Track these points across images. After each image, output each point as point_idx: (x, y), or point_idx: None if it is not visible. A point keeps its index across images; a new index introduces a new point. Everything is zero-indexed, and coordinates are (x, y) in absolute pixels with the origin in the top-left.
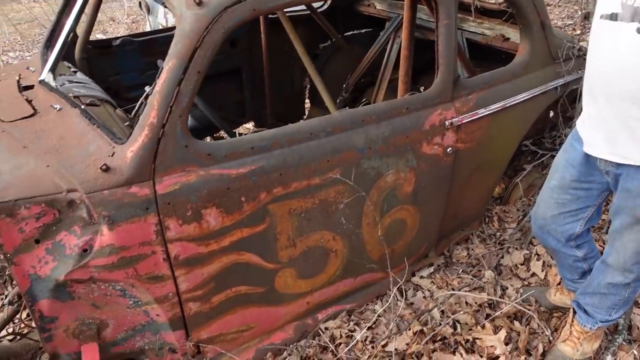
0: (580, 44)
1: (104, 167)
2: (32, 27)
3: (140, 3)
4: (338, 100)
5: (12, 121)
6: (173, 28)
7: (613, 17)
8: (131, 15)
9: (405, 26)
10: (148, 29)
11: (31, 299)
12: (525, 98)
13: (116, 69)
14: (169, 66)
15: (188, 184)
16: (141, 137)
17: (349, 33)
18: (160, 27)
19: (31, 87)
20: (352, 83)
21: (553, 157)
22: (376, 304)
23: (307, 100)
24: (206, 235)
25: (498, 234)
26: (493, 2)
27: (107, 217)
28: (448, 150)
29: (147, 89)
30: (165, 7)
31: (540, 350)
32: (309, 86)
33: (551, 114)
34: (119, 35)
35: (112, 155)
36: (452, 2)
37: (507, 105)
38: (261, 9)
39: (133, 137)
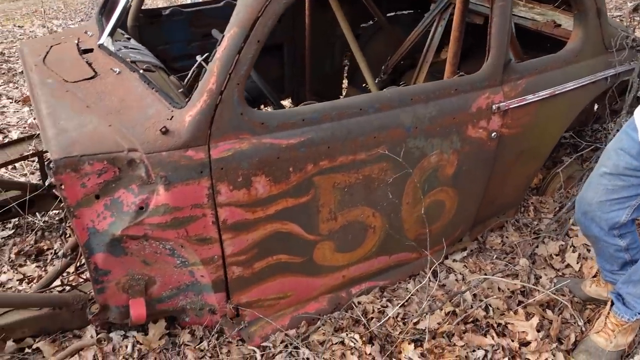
0: (635, 34)
1: (163, 129)
2: None
3: None
4: (376, 81)
5: (75, 82)
6: (219, 0)
7: None
8: None
9: (458, 7)
10: None
11: (88, 252)
12: (575, 86)
13: (165, 39)
14: (230, 34)
15: (241, 151)
16: (200, 103)
17: (392, 14)
18: None
19: (90, 50)
20: (392, 65)
21: (594, 150)
22: (409, 282)
23: (344, 80)
24: (254, 202)
25: (534, 223)
26: None
27: (164, 178)
28: (492, 134)
29: (199, 58)
30: None
31: (572, 339)
32: (347, 65)
33: (596, 107)
34: (158, 4)
35: (170, 119)
36: None
37: (556, 92)
38: None
39: (192, 102)
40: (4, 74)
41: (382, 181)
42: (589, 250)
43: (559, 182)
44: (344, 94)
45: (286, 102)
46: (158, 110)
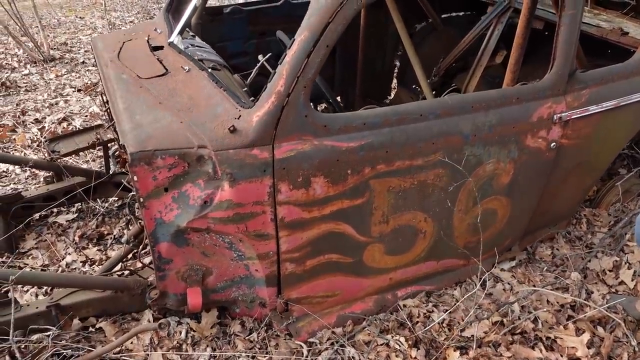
0: None
1: (231, 128)
2: None
3: None
4: (427, 82)
5: (148, 78)
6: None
7: None
8: None
9: (524, 13)
10: None
11: (154, 241)
12: None
13: (224, 36)
14: (301, 38)
15: (303, 152)
16: (267, 104)
17: (447, 15)
18: None
19: (161, 47)
20: (444, 67)
21: None
22: (455, 289)
23: (394, 81)
24: (311, 202)
25: (587, 236)
26: None
27: (229, 175)
28: (552, 145)
29: (261, 57)
30: None
31: (625, 359)
32: (397, 66)
33: None
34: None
35: (238, 118)
36: None
37: (621, 104)
38: None
39: (260, 102)
40: (67, 63)
41: (437, 187)
42: None
43: (615, 195)
44: (392, 94)
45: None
46: (226, 108)
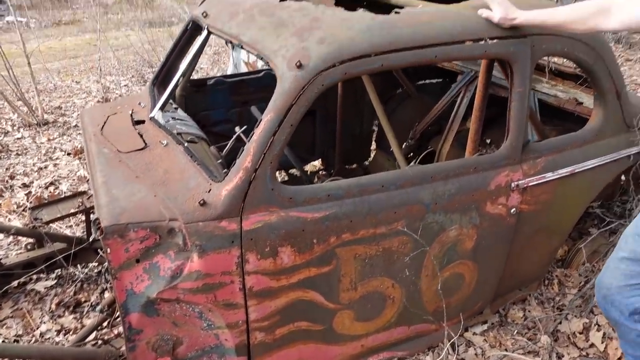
0: None
1: (201, 201)
2: (127, 53)
3: (227, 41)
4: (404, 146)
5: (127, 152)
6: (259, 71)
7: None
8: (214, 47)
9: (479, 88)
10: (230, 61)
11: (124, 311)
12: (595, 165)
13: (207, 105)
14: (267, 118)
15: (270, 223)
16: (236, 179)
17: (421, 82)
18: (242, 62)
19: (142, 122)
20: (420, 131)
21: (622, 225)
22: (427, 354)
23: (373, 143)
24: (279, 271)
25: (557, 298)
26: (568, 65)
27: (198, 246)
28: (512, 210)
29: (237, 129)
30: (266, 62)
31: None
32: (376, 130)
33: (622, 177)
34: (200, 70)
35: (209, 192)
36: (527, 72)
37: (576, 171)
38: (352, 72)
39: (229, 177)
40: (59, 127)
41: (402, 254)
42: (614, 330)
43: (583, 256)
44: (372, 156)
45: (316, 162)
46: (198, 182)
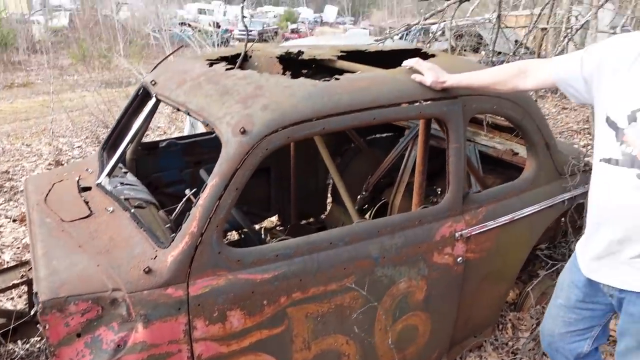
0: (586, 159)
1: (146, 269)
2: (82, 114)
3: (174, 108)
4: (358, 198)
5: (71, 221)
6: (212, 132)
7: (613, 162)
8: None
9: (420, 145)
10: (187, 121)
11: None
12: (533, 211)
13: (159, 167)
14: (212, 183)
15: (217, 287)
16: (182, 244)
17: (371, 137)
18: (199, 122)
19: (89, 188)
20: (372, 183)
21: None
22: None
23: (329, 197)
24: (229, 336)
25: (511, 342)
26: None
27: (143, 316)
28: (458, 259)
29: (188, 192)
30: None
31: None
32: (331, 184)
33: (562, 219)
34: (157, 129)
35: (154, 258)
36: (461, 129)
37: (515, 218)
38: (294, 137)
39: (175, 243)
40: (5, 192)
41: (354, 309)
42: None
43: (534, 298)
44: (328, 209)
45: (274, 218)
46: (144, 249)
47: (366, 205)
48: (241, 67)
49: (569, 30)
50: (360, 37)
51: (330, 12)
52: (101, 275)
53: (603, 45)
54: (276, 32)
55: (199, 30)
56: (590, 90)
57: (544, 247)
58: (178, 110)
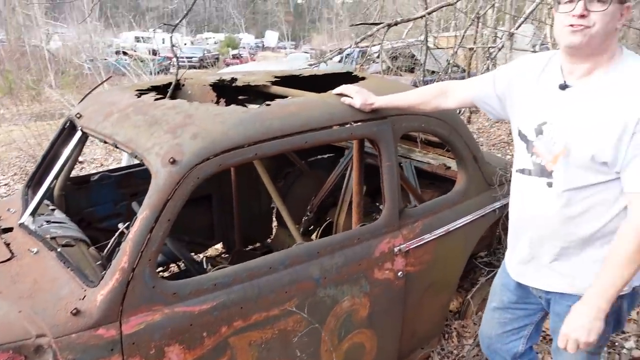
0: (512, 169)
1: (74, 311)
2: (9, 150)
3: (101, 141)
4: (303, 220)
5: None
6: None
7: (526, 172)
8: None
9: (355, 164)
10: (125, 154)
11: None
12: (466, 222)
13: (91, 202)
14: (142, 216)
15: (153, 323)
16: (112, 281)
17: (312, 158)
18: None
19: (10, 229)
20: (316, 204)
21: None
22: None
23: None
24: None
25: (456, 351)
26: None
27: None
28: (399, 274)
29: (121, 225)
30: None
31: None
32: (276, 207)
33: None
34: (93, 161)
35: (83, 299)
36: (392, 148)
37: (450, 229)
38: (227, 164)
39: (104, 280)
40: None
41: (298, 332)
42: None
43: (475, 305)
44: (273, 233)
45: (219, 246)
46: (71, 290)
47: (312, 227)
48: (173, 97)
49: (492, 50)
50: (301, 61)
51: (271, 37)
52: (23, 322)
53: (512, 65)
54: (217, 58)
55: (136, 59)
56: (505, 107)
57: (483, 255)
58: (105, 142)
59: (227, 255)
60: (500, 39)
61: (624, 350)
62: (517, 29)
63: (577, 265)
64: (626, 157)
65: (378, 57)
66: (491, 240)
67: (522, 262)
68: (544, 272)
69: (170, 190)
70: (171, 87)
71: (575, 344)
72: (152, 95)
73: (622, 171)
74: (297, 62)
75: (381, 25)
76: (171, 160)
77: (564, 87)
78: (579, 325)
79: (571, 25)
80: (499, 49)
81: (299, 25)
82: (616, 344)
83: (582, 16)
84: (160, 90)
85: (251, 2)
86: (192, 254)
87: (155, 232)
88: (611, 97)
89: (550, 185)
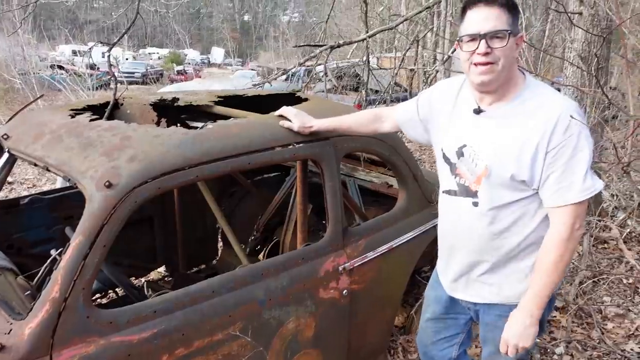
0: None
1: None
2: None
3: (32, 164)
4: (250, 239)
5: None
6: None
7: (452, 192)
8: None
9: (298, 185)
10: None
11: None
12: (408, 238)
13: (22, 226)
14: (76, 242)
15: (87, 355)
16: (42, 313)
17: (258, 177)
18: None
19: None
20: (263, 223)
21: None
22: None
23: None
24: None
25: None
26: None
27: None
28: (344, 292)
29: (53, 252)
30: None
31: None
32: (221, 228)
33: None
34: (24, 182)
35: (8, 333)
36: (334, 168)
37: (393, 246)
38: (166, 186)
39: (33, 312)
40: None
41: (243, 356)
42: None
43: (418, 320)
44: (219, 254)
45: (161, 269)
46: None
47: (259, 246)
48: (111, 117)
49: (430, 73)
50: (247, 78)
51: (217, 54)
52: None
53: (432, 89)
54: (161, 74)
55: (73, 74)
56: (428, 131)
57: (426, 270)
58: (35, 165)
59: (170, 279)
60: (440, 61)
61: (555, 356)
62: (452, 53)
63: (503, 275)
64: (542, 176)
65: (324, 75)
66: (433, 256)
67: (454, 279)
68: (474, 285)
69: (105, 215)
70: (109, 107)
71: (514, 348)
72: (87, 115)
73: (540, 188)
74: (243, 79)
75: (324, 47)
76: (107, 183)
77: (478, 111)
78: (517, 332)
79: (478, 65)
80: (436, 72)
81: (246, 43)
82: (547, 350)
83: (486, 54)
84: (97, 110)
85: (196, 18)
86: (133, 278)
87: (89, 259)
88: (521, 121)
89: (475, 204)
